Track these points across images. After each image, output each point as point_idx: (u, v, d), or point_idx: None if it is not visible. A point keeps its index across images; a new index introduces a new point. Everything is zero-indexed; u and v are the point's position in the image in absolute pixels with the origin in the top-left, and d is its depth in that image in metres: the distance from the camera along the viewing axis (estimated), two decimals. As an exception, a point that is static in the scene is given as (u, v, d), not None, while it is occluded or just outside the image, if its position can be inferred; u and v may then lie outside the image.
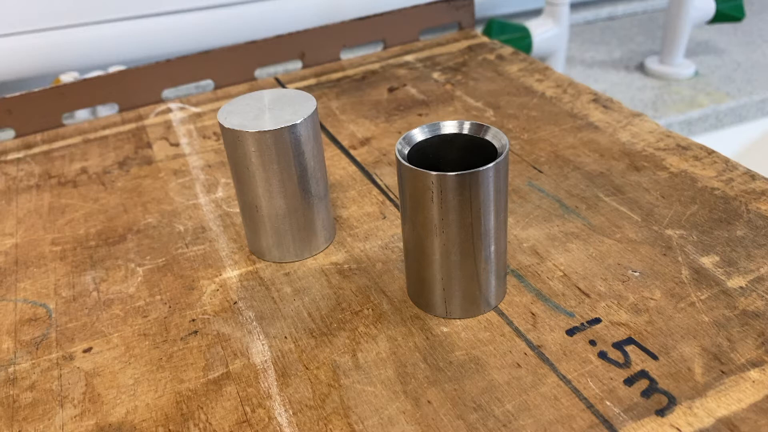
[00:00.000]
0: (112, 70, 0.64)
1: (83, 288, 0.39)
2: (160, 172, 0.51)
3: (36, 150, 0.56)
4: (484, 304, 0.34)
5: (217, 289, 0.38)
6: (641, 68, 1.01)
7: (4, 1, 0.76)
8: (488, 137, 0.32)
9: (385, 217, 0.43)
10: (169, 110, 0.61)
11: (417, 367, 0.31)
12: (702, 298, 0.34)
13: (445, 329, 0.33)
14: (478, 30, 0.76)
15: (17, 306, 0.38)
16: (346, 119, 0.56)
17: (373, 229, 0.42)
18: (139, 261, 0.41)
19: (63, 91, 0.58)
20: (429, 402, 0.30)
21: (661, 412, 0.28)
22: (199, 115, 0.59)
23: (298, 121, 0.35)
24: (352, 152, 0.51)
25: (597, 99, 0.54)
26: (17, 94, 0.57)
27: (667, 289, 0.34)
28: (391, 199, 0.44)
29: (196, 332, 0.35)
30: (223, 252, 0.41)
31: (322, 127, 0.55)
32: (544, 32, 0.89)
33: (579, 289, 0.35)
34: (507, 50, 0.66)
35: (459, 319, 0.34)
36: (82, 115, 0.70)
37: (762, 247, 0.37)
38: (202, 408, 0.31)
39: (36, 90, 0.58)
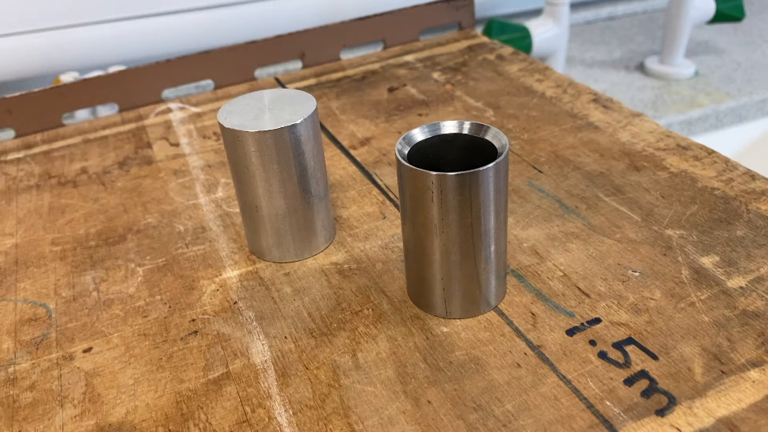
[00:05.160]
0: (112, 70, 0.64)
1: (83, 288, 0.39)
2: (160, 172, 0.51)
3: (36, 150, 0.56)
4: (484, 304, 0.34)
5: (217, 289, 0.38)
6: (641, 68, 1.01)
7: (4, 1, 0.76)
8: (488, 137, 0.32)
9: (385, 217, 0.43)
10: (169, 110, 0.61)
11: (417, 367, 0.31)
12: (702, 298, 0.34)
13: (445, 329, 0.33)
14: (478, 30, 0.76)
15: (17, 306, 0.38)
16: (346, 119, 0.56)
17: (373, 229, 0.42)
18: (139, 261, 0.41)
19: (63, 91, 0.58)
20: (429, 402, 0.30)
21: (661, 412, 0.28)
22: (199, 115, 0.59)
23: (298, 121, 0.35)
24: (352, 152, 0.51)
25: (597, 99, 0.54)
26: (17, 94, 0.57)
27: (667, 289, 0.34)
28: (391, 199, 0.44)
29: (196, 332, 0.35)
30: (223, 252, 0.41)
31: (322, 127, 0.55)
32: (544, 32, 0.89)
33: (579, 289, 0.35)
34: (507, 50, 0.66)
35: (459, 319, 0.34)
36: (82, 115, 0.70)
37: (762, 247, 0.37)
38: (202, 408, 0.31)
39: (36, 90, 0.58)
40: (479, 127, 0.32)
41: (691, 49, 1.05)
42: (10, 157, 0.55)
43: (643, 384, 0.29)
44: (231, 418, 0.30)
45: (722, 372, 0.29)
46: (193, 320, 0.36)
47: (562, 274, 0.36)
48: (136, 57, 0.82)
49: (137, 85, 0.61)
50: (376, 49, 0.70)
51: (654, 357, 0.31)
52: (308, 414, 0.30)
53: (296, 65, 0.80)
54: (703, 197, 0.41)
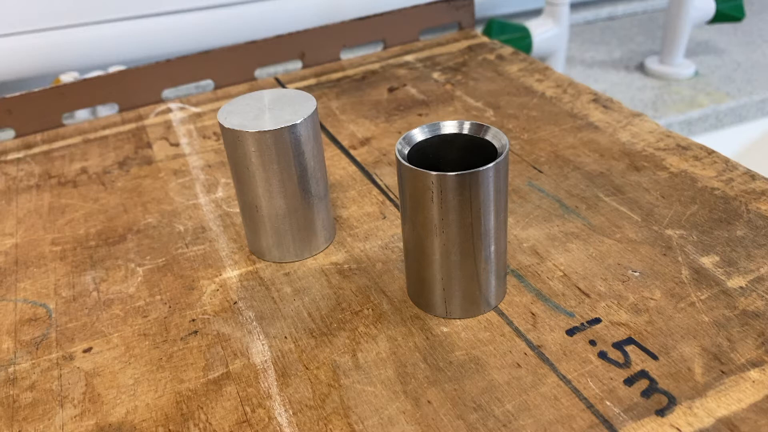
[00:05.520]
0: (112, 70, 0.64)
1: (83, 288, 0.39)
2: (160, 172, 0.51)
3: (36, 150, 0.56)
4: (484, 304, 0.34)
5: (217, 289, 0.38)
6: (641, 68, 1.01)
7: (4, 1, 0.76)
8: (488, 137, 0.32)
9: (385, 217, 0.43)
10: (169, 110, 0.61)
11: (417, 367, 0.31)
12: (702, 298, 0.34)
13: (445, 329, 0.33)
14: (478, 30, 0.76)
15: (17, 306, 0.38)
16: (346, 119, 0.56)
17: (373, 229, 0.42)
18: (139, 261, 0.41)
19: (63, 91, 0.58)
20: (429, 402, 0.30)
21: (661, 412, 0.28)
22: (199, 115, 0.59)
23: (298, 121, 0.35)
24: (352, 152, 0.51)
25: (597, 99, 0.54)
26: (17, 94, 0.57)
27: (667, 289, 0.34)
28: (391, 199, 0.44)
29: (196, 332, 0.35)
30: (223, 252, 0.41)
31: (322, 127, 0.55)
32: (544, 32, 0.89)
33: (579, 289, 0.35)
34: (507, 50, 0.66)
35: (459, 319, 0.34)
36: (82, 115, 0.70)
37: (762, 247, 0.37)
38: (202, 408, 0.31)
39: (36, 90, 0.58)
40: (479, 127, 0.32)
41: (691, 49, 1.05)
42: (10, 157, 0.55)
43: (643, 384, 0.29)
44: (231, 418, 0.30)
45: (722, 372, 0.29)
46: (193, 320, 0.36)
47: (562, 274, 0.36)
48: (136, 57, 0.82)
49: (137, 85, 0.61)
50: (376, 49, 0.70)
51: (654, 357, 0.31)
52: (308, 414, 0.30)
53: (296, 65, 0.80)
54: (703, 197, 0.41)
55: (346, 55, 0.68)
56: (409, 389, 0.30)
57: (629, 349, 0.31)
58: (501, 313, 0.34)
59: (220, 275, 0.39)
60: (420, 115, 0.55)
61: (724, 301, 0.33)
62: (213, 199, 0.47)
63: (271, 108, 0.37)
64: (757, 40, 1.08)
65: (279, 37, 0.64)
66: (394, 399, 0.30)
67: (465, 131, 0.33)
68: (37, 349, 0.35)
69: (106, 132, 0.58)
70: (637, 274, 0.36)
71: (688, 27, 0.94)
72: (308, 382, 0.31)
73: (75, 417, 0.31)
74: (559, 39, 0.91)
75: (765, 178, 0.42)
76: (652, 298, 0.34)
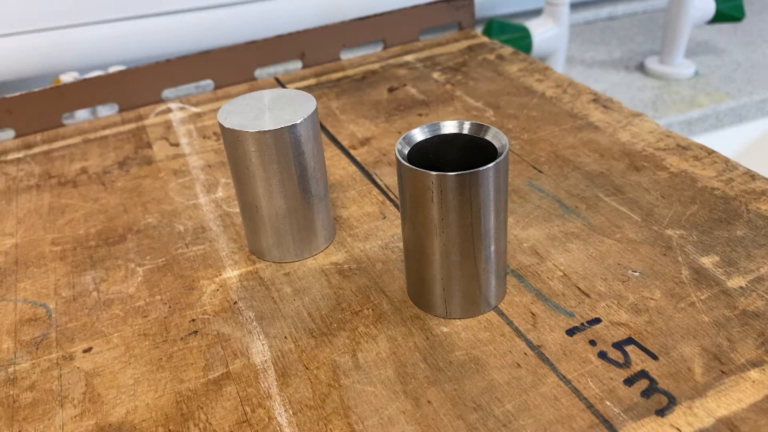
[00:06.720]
0: (112, 70, 0.64)
1: (83, 288, 0.39)
2: (160, 172, 0.51)
3: (36, 150, 0.56)
4: (484, 304, 0.34)
5: (217, 289, 0.38)
6: (641, 68, 1.01)
7: (4, 1, 0.76)
8: (488, 137, 0.32)
9: (385, 217, 0.43)
10: (169, 110, 0.61)
11: (417, 367, 0.31)
12: (702, 298, 0.34)
13: (445, 329, 0.33)
14: (478, 30, 0.76)
15: (17, 306, 0.38)
16: (346, 119, 0.56)
17: (373, 229, 0.42)
18: (139, 261, 0.41)
19: (63, 91, 0.58)
20: (429, 402, 0.30)
21: (661, 412, 0.28)
22: (199, 115, 0.59)
23: (298, 121, 0.35)
24: (352, 152, 0.51)
25: (597, 99, 0.54)
26: (17, 94, 0.57)
27: (667, 289, 0.34)
28: (391, 199, 0.44)
29: (196, 332, 0.35)
30: (223, 252, 0.41)
31: (322, 127, 0.55)
32: (544, 32, 0.89)
33: (579, 289, 0.35)
34: (507, 50, 0.66)
35: (459, 319, 0.34)
36: (82, 115, 0.70)
37: (762, 247, 0.37)
38: (202, 408, 0.31)
39: (36, 90, 0.58)
40: (479, 127, 0.32)
41: (691, 49, 1.05)
42: (10, 157, 0.55)
43: (643, 384, 0.29)
44: (231, 418, 0.30)
45: (722, 372, 0.29)
46: (193, 320, 0.36)
47: (562, 274, 0.36)
48: (136, 57, 0.82)
49: (137, 85, 0.61)
50: (376, 49, 0.70)
51: (654, 357, 0.31)
52: (308, 414, 0.30)
53: (296, 65, 0.80)
54: (703, 197, 0.41)
55: (346, 55, 0.68)
56: (409, 389, 0.30)
57: (629, 349, 0.31)
58: (501, 313, 0.34)
59: (220, 275, 0.39)
60: (420, 115, 0.55)
61: (724, 301, 0.33)
62: (213, 199, 0.47)
63: (271, 108, 0.37)
64: (757, 40, 1.08)
65: (279, 37, 0.64)
66: (394, 399, 0.30)
67: (465, 131, 0.33)
68: (37, 349, 0.35)
69: (106, 132, 0.58)
70: (637, 274, 0.36)
71: (688, 27, 0.94)
72: (308, 382, 0.31)
73: (75, 417, 0.31)
74: (559, 39, 0.91)
75: (765, 178, 0.42)
76: (652, 298, 0.34)
